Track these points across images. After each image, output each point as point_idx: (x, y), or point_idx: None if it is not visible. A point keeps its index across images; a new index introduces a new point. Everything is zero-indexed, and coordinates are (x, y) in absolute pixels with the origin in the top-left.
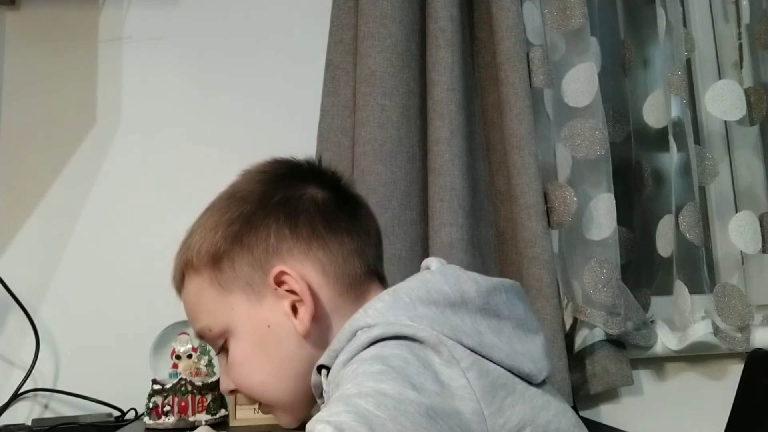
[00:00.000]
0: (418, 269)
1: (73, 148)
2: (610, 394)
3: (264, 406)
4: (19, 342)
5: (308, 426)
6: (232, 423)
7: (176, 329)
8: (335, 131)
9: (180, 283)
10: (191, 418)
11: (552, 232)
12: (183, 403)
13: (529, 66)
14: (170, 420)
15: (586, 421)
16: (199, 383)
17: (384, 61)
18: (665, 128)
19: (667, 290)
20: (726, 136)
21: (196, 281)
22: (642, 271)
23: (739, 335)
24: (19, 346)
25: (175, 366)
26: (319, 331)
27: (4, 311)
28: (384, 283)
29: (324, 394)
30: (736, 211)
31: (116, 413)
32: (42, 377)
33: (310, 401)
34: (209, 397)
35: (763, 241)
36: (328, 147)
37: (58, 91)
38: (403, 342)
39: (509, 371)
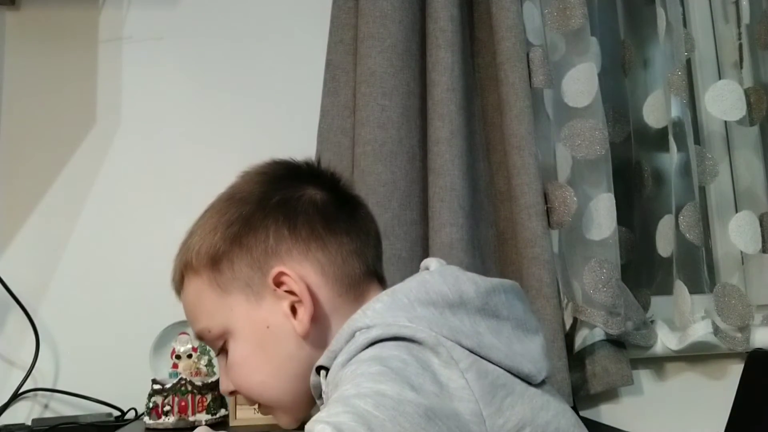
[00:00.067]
0: (417, 269)
1: (73, 148)
2: (610, 394)
3: (263, 407)
4: (19, 342)
5: (307, 426)
6: (232, 423)
7: (176, 329)
8: (335, 131)
9: (179, 284)
10: (191, 418)
11: (552, 232)
12: (183, 403)
13: (529, 66)
14: (170, 420)
15: (586, 421)
16: (199, 383)
17: (384, 61)
18: (665, 128)
19: (667, 290)
20: (726, 136)
21: (195, 283)
22: (642, 271)
23: (739, 335)
24: (19, 346)
25: (175, 366)
26: (318, 332)
27: (4, 311)
28: (383, 284)
29: (323, 395)
30: (736, 211)
31: (116, 413)
32: (42, 377)
33: (310, 402)
34: (209, 397)
35: (763, 241)
36: (328, 147)
37: (58, 91)
38: (402, 343)
39: (508, 372)
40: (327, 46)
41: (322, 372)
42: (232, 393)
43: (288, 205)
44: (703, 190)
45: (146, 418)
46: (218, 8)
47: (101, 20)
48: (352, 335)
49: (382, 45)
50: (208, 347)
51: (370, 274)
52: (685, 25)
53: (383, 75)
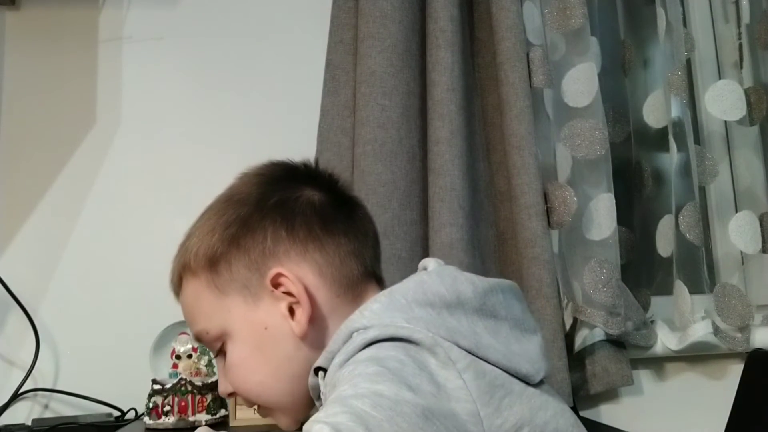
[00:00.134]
0: (417, 269)
1: (73, 148)
2: (610, 394)
3: (263, 409)
4: (19, 342)
5: (305, 427)
6: (232, 423)
7: (176, 329)
8: (335, 131)
9: (177, 286)
10: (191, 418)
11: (552, 232)
12: (183, 403)
13: (529, 66)
14: (170, 420)
15: (586, 421)
16: (199, 383)
17: (384, 61)
18: (665, 128)
19: (667, 290)
20: (726, 136)
21: (193, 284)
22: (642, 271)
23: (739, 335)
24: (19, 346)
25: (175, 366)
26: (316, 333)
27: (4, 311)
28: (382, 285)
29: (321, 396)
30: (736, 211)
31: (116, 413)
32: (42, 377)
33: (309, 403)
34: (209, 397)
35: (763, 241)
36: (328, 147)
37: (58, 91)
38: (399, 344)
39: (506, 372)
40: (327, 46)
41: (320, 373)
42: (231, 395)
43: (286, 206)
44: (703, 190)
45: (146, 418)
46: (218, 8)
47: (101, 20)
48: (350, 336)
49: (382, 45)
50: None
51: (368, 275)
52: (685, 25)
53: (383, 75)
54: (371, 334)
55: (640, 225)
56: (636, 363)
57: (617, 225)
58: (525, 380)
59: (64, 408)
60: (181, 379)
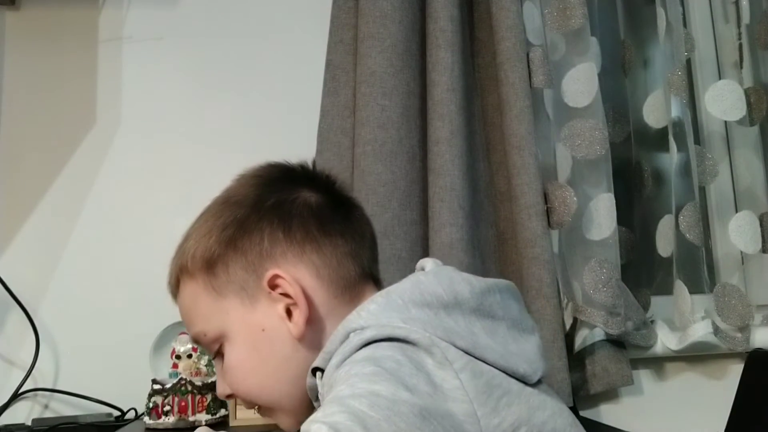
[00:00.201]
0: None
1: (73, 148)
2: (610, 394)
3: (263, 410)
4: (19, 342)
5: (303, 427)
6: (232, 423)
7: (176, 329)
8: (335, 131)
9: (175, 288)
10: (191, 418)
11: (552, 232)
12: (183, 403)
13: (529, 66)
14: (170, 420)
15: (587, 421)
16: (199, 383)
17: (384, 61)
18: (665, 128)
19: (667, 290)
20: (726, 136)
21: (191, 286)
22: (642, 271)
23: (739, 335)
24: (19, 346)
25: (175, 366)
26: (314, 334)
27: (4, 311)
28: (379, 286)
29: (319, 396)
30: (736, 211)
31: (116, 413)
32: (42, 377)
33: (308, 404)
34: (209, 397)
35: (763, 241)
36: (328, 147)
37: (58, 91)
38: (396, 344)
39: (503, 372)
40: (327, 46)
41: (318, 373)
42: (229, 396)
43: (283, 207)
44: (703, 190)
45: (146, 418)
46: (218, 8)
47: (101, 20)
48: (347, 336)
49: (382, 45)
50: None
51: (365, 276)
52: (685, 25)
53: (383, 75)
54: (368, 335)
55: (640, 225)
56: (636, 363)
57: (617, 225)
58: (522, 380)
59: (64, 408)
60: (181, 379)
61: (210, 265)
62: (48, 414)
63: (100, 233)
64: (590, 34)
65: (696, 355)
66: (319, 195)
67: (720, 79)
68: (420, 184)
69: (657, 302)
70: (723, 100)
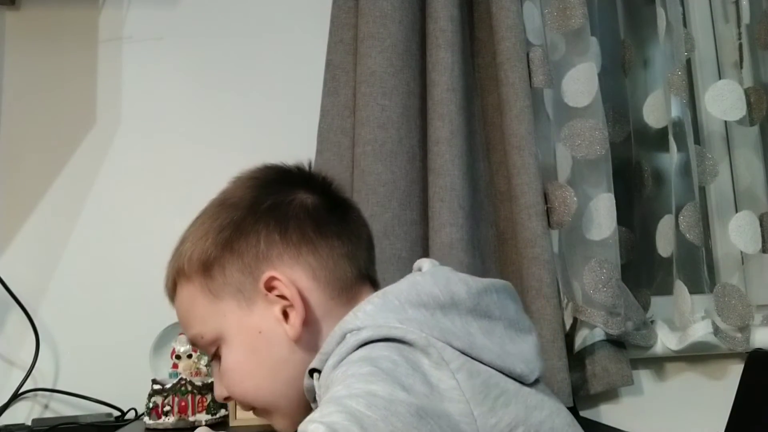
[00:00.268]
0: None
1: (73, 148)
2: (610, 394)
3: (260, 412)
4: (19, 342)
5: (300, 427)
6: (232, 423)
7: (176, 329)
8: (335, 131)
9: (172, 291)
10: (191, 418)
11: (552, 232)
12: (183, 403)
13: (529, 66)
14: (170, 420)
15: (586, 421)
16: (199, 383)
17: (384, 61)
18: (665, 128)
19: (667, 290)
20: (726, 136)
21: (187, 289)
22: (642, 271)
23: (739, 335)
24: (19, 346)
25: (175, 366)
26: (311, 336)
27: (4, 311)
28: (376, 287)
29: (317, 398)
30: (736, 211)
31: (116, 413)
32: (42, 377)
33: (305, 405)
34: (209, 397)
35: (763, 241)
36: (328, 147)
37: (58, 91)
38: (392, 344)
39: (500, 372)
40: (327, 46)
41: (315, 374)
42: (227, 399)
43: (279, 209)
44: (703, 190)
45: (146, 418)
46: (218, 8)
47: (101, 20)
48: (343, 337)
49: (382, 45)
50: None
51: (362, 278)
52: (685, 25)
53: (383, 75)
54: (364, 335)
55: (640, 225)
56: (636, 363)
57: (617, 225)
58: (519, 380)
59: (64, 408)
60: (181, 379)
61: (206, 268)
62: (48, 414)
63: (100, 233)
64: (590, 34)
65: (696, 355)
66: (315, 196)
67: (720, 79)
68: (420, 184)
69: (657, 302)
70: (723, 100)
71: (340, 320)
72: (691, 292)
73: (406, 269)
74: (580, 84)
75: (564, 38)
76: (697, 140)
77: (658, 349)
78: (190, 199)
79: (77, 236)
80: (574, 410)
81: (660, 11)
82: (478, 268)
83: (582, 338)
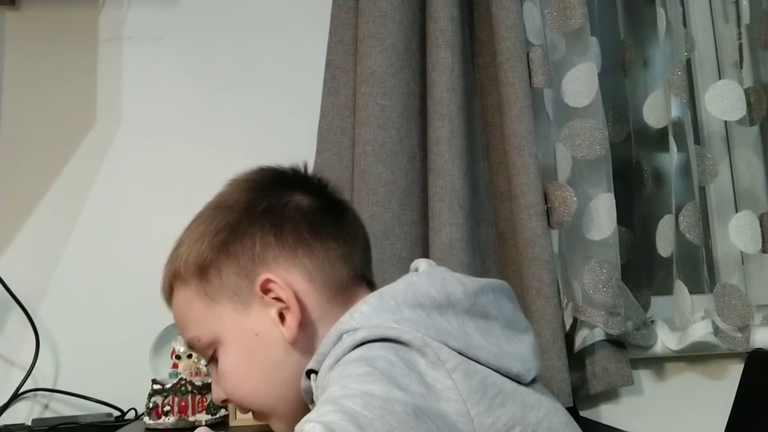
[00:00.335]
0: None
1: (73, 148)
2: (610, 394)
3: (258, 415)
4: (19, 342)
5: (297, 427)
6: (232, 423)
7: (176, 329)
8: (335, 131)
9: (169, 294)
10: (191, 418)
11: (552, 232)
12: (183, 403)
13: (529, 66)
14: (170, 420)
15: (586, 421)
16: (199, 383)
17: (384, 61)
18: (665, 128)
19: (667, 290)
20: (726, 136)
21: (184, 292)
22: (642, 271)
23: (739, 335)
24: (19, 346)
25: (175, 366)
26: (307, 338)
27: (4, 311)
28: (373, 288)
29: (314, 399)
30: (736, 211)
31: (116, 413)
32: (42, 377)
33: (303, 407)
34: (209, 397)
35: (763, 241)
36: (328, 147)
37: (58, 91)
38: (388, 344)
39: (497, 372)
40: (327, 46)
41: (312, 375)
42: (225, 401)
43: (274, 212)
44: (703, 190)
45: (146, 418)
46: (218, 8)
47: (101, 20)
48: (340, 338)
49: (382, 45)
50: None
51: (358, 279)
52: (685, 25)
53: (383, 75)
54: (360, 335)
55: (640, 225)
56: (636, 363)
57: (617, 225)
58: (516, 379)
59: (64, 408)
60: (181, 379)
61: (202, 271)
62: (48, 414)
63: (100, 233)
64: (590, 34)
65: (696, 355)
66: (310, 198)
67: (720, 79)
68: (420, 184)
69: (657, 302)
70: (723, 100)
71: (336, 322)
72: (691, 292)
73: (406, 269)
74: (580, 84)
75: (564, 38)
76: (697, 140)
77: (658, 349)
78: (190, 199)
79: (77, 236)
80: (574, 410)
81: (660, 11)
82: (478, 268)
83: (582, 338)
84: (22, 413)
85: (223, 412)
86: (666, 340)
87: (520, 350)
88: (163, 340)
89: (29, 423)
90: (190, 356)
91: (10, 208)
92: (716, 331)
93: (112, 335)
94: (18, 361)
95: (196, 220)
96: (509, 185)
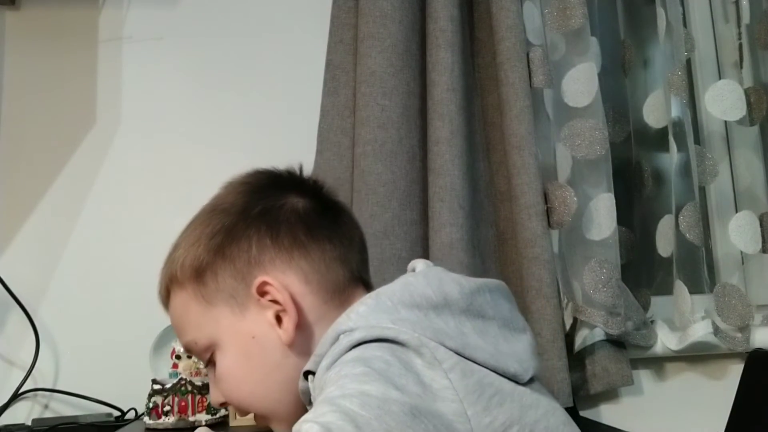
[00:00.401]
0: None
1: (73, 148)
2: (610, 394)
3: (258, 417)
4: (19, 342)
5: (294, 427)
6: (232, 423)
7: None
8: (335, 131)
9: (166, 298)
10: (191, 418)
11: (552, 232)
12: (183, 403)
13: (529, 66)
14: (170, 420)
15: (586, 421)
16: (199, 383)
17: (384, 61)
18: (665, 128)
19: (667, 290)
20: (726, 136)
21: (181, 296)
22: (642, 271)
23: (739, 335)
24: (19, 346)
25: (175, 366)
26: (304, 340)
27: (4, 311)
28: (369, 289)
29: (312, 399)
30: (736, 211)
31: (116, 413)
32: (42, 377)
33: (301, 409)
34: (209, 397)
35: (763, 241)
36: (328, 147)
37: (58, 91)
38: (385, 345)
39: (494, 372)
40: (327, 46)
41: (310, 377)
42: (223, 404)
43: (270, 214)
44: (703, 190)
45: (146, 418)
46: (218, 8)
47: (101, 20)
48: (337, 338)
49: (382, 45)
50: None
51: (354, 280)
52: (685, 25)
53: (383, 75)
54: (357, 336)
55: (640, 225)
56: (636, 363)
57: (617, 225)
58: (514, 379)
59: (64, 408)
60: (181, 379)
61: (199, 274)
62: (48, 414)
63: (100, 233)
64: (590, 34)
65: (696, 355)
66: (306, 200)
67: (720, 79)
68: (420, 184)
69: (657, 302)
70: (723, 100)
71: (333, 323)
72: (691, 292)
73: (405, 269)
74: (580, 84)
75: (564, 38)
76: (697, 140)
77: (658, 349)
78: (190, 199)
79: (77, 236)
80: (574, 410)
81: (660, 11)
82: (478, 268)
83: (582, 338)
84: (22, 413)
85: (223, 412)
86: (666, 340)
87: (517, 350)
88: (163, 340)
89: (29, 423)
90: (190, 356)
91: (10, 208)
92: (716, 331)
93: (112, 335)
94: (18, 361)
95: (192, 224)
96: (509, 185)
